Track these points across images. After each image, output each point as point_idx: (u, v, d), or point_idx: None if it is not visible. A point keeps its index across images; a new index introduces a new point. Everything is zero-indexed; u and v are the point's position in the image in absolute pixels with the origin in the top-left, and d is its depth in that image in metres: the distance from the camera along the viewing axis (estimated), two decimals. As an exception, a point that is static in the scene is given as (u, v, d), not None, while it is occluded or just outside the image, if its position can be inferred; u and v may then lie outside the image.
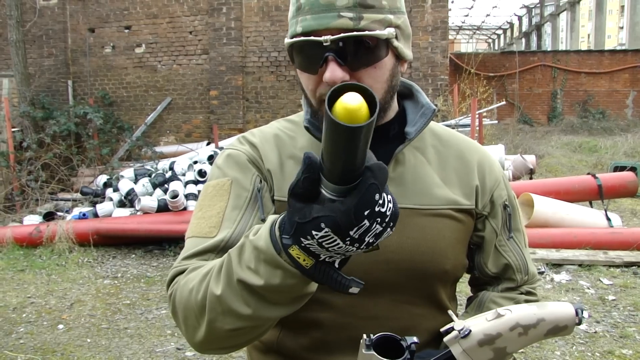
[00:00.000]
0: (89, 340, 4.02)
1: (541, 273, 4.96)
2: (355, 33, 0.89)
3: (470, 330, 0.89)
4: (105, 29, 10.89)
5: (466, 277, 1.23)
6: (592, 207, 6.28)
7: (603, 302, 4.39)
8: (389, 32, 0.92)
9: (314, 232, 0.65)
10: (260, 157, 1.06)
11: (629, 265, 5.05)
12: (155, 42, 10.72)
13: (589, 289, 4.65)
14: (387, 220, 0.67)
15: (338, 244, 0.66)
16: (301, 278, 0.73)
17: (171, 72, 10.75)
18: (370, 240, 0.67)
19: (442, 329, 0.91)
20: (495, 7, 30.69)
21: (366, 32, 0.89)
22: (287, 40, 0.95)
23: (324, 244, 0.66)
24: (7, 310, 4.64)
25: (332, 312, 1.01)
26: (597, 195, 6.15)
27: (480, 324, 0.90)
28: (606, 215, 5.76)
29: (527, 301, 1.12)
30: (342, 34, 0.88)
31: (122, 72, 10.91)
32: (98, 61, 10.96)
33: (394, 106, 1.06)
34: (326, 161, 0.64)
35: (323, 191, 0.66)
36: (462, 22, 34.71)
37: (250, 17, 10.33)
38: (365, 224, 0.64)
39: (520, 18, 35.01)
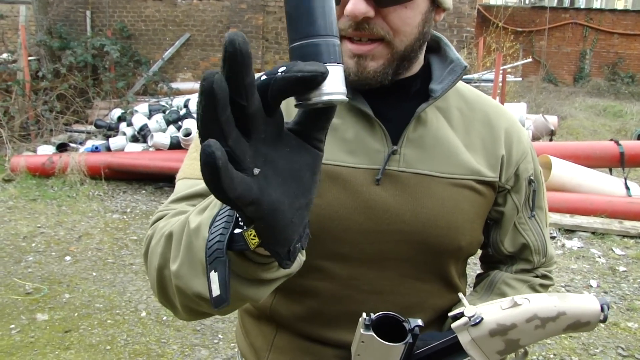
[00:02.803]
0: (94, 273, 4.06)
1: (552, 238, 4.89)
2: None
3: (482, 319, 0.81)
4: (125, -42, 10.61)
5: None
6: (611, 174, 6.13)
7: (613, 272, 4.33)
8: None
9: None
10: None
11: (643, 236, 4.96)
12: (176, -25, 10.44)
13: (599, 257, 4.58)
14: None
15: None
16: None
17: (191, 7, 10.50)
18: None
19: (450, 313, 0.84)
20: (531, -42, 29.49)
21: None
22: None
23: None
24: (18, 238, 4.69)
25: (331, 281, 0.93)
26: (618, 162, 5.98)
27: (493, 312, 0.82)
28: (625, 183, 5.62)
29: (541, 285, 1.04)
30: None
31: (141, 5, 10.68)
32: (117, -8, 10.73)
33: (420, 59, 0.93)
34: None
35: None
36: (494, -28, 33.52)
37: (275, -46, 9.99)
38: None
39: (555, -29, 33.71)
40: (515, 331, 0.81)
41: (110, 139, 6.91)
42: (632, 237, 4.96)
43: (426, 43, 0.92)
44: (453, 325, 0.82)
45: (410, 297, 0.95)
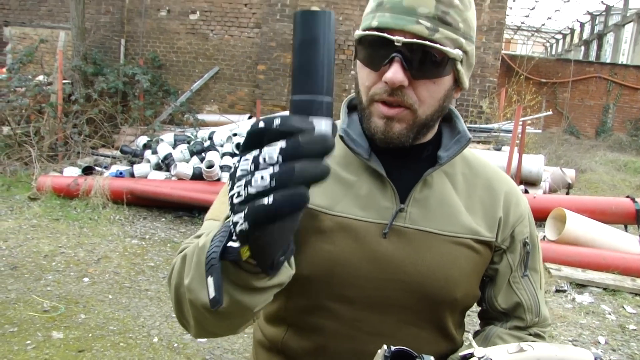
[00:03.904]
0: (110, 296, 4.16)
1: (563, 291, 4.90)
2: (428, 42, 0.89)
3: (492, 359, 0.87)
4: (162, -8, 11.03)
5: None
6: (626, 231, 6.13)
7: (623, 330, 4.32)
8: (457, 53, 0.93)
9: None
10: None
11: (656, 295, 4.94)
12: (210, 11, 10.80)
13: (610, 314, 4.57)
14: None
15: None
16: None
17: (222, 42, 10.83)
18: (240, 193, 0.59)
19: (460, 353, 0.90)
20: (558, 10, 29.80)
21: (438, 45, 0.90)
22: (359, 32, 0.95)
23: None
24: (39, 256, 4.84)
25: (337, 321, 1.02)
26: (634, 219, 6.00)
27: (501, 355, 0.88)
28: (640, 241, 5.62)
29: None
30: (415, 39, 0.89)
31: (174, 37, 11.05)
32: (152, 23, 11.11)
33: (435, 128, 1.05)
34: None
35: None
36: (522, 23, 33.83)
37: (306, -4, 10.32)
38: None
39: (582, 25, 33.92)
40: None
41: (134, 166, 7.10)
42: (644, 295, 4.94)
43: (442, 115, 1.04)
44: None
45: (408, 342, 1.01)
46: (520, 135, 7.15)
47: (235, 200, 0.59)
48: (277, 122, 0.57)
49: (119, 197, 6.27)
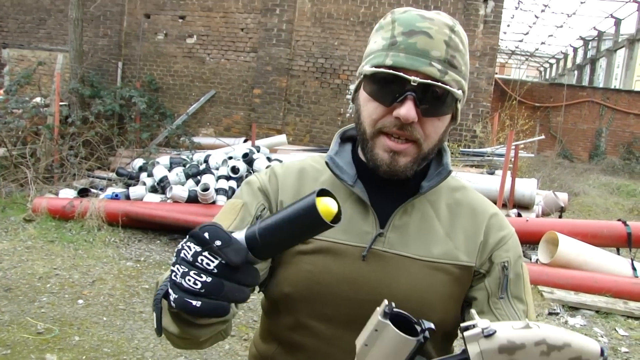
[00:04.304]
0: (105, 318, 4.17)
1: (556, 314, 4.92)
2: (439, 84, 0.96)
3: (495, 331, 0.82)
4: (160, 16, 11.16)
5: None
6: (619, 254, 6.18)
7: (615, 353, 4.34)
8: (460, 93, 1.01)
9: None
10: (277, 188, 1.13)
11: (648, 318, 4.97)
12: (206, 35, 10.95)
13: (602, 337, 4.60)
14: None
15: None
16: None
17: (218, 66, 10.95)
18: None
19: (462, 324, 0.85)
20: (551, 35, 30.24)
21: (447, 87, 0.97)
22: (370, 69, 1.00)
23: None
24: (34, 278, 4.84)
25: (317, 339, 1.08)
26: (626, 242, 6.05)
27: (506, 329, 0.83)
28: (632, 264, 5.66)
29: None
30: (428, 80, 0.96)
31: (171, 60, 11.17)
32: (149, 47, 11.24)
33: (429, 160, 1.12)
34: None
35: None
36: (516, 47, 34.27)
37: (302, 22, 10.46)
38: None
39: (575, 50, 34.40)
40: (522, 353, 0.81)
41: (130, 188, 7.14)
42: (636, 318, 4.97)
43: (438, 149, 1.11)
44: (466, 334, 0.83)
45: None
46: (513, 159, 7.23)
47: (173, 278, 0.72)
48: (218, 243, 0.70)
49: (114, 220, 6.29)
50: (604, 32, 28.25)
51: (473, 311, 0.86)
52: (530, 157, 11.20)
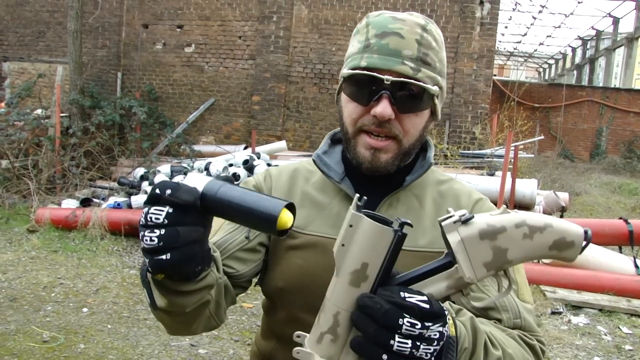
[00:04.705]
0: (109, 326, 4.19)
1: (559, 313, 4.93)
2: (412, 81, 1.01)
3: (473, 216, 0.81)
4: (158, 26, 11.23)
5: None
6: (621, 252, 6.19)
7: (619, 350, 4.35)
8: (435, 89, 1.05)
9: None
10: (271, 187, 1.19)
11: (651, 315, 4.98)
12: (204, 44, 11.00)
13: (606, 335, 4.61)
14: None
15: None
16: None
17: (217, 74, 11.01)
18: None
19: (440, 218, 0.85)
20: (550, 36, 30.30)
21: (421, 83, 1.02)
22: (347, 71, 1.05)
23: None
24: (38, 288, 4.87)
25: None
26: (628, 240, 6.05)
27: (484, 215, 0.82)
28: (635, 262, 5.67)
29: (521, 338, 1.04)
30: (401, 78, 1.00)
31: (170, 69, 11.23)
32: (148, 56, 11.30)
33: (413, 155, 1.15)
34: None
35: None
36: (514, 49, 34.33)
37: (299, 28, 10.52)
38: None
39: (574, 50, 34.44)
40: (504, 236, 0.80)
41: (132, 197, 7.16)
42: (639, 315, 4.97)
43: (421, 144, 1.14)
44: (443, 223, 0.82)
45: None
46: (512, 160, 7.25)
47: (142, 245, 0.77)
48: (168, 192, 0.76)
49: (116, 228, 6.31)
50: (602, 31, 28.28)
51: (450, 208, 0.85)
52: (531, 158, 11.21)
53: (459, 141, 9.81)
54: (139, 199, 7.06)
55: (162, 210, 0.75)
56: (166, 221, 0.75)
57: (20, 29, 12.07)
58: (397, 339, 0.73)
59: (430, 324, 0.75)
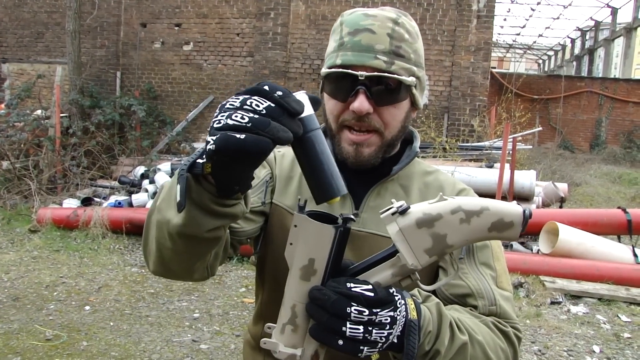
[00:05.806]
0: (111, 323, 4.23)
1: (558, 303, 4.97)
2: (386, 74, 1.04)
3: (409, 207, 0.85)
4: (156, 25, 11.25)
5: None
6: (620, 241, 6.22)
7: (618, 338, 4.38)
8: (411, 80, 1.07)
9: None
10: (275, 165, 1.23)
11: (649, 304, 5.01)
12: (203, 41, 11.02)
13: (605, 324, 4.64)
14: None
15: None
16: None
17: (216, 72, 11.03)
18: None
19: (380, 210, 0.89)
20: (548, 27, 30.25)
21: (395, 76, 1.04)
22: (325, 70, 1.10)
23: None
24: (41, 287, 4.91)
25: None
26: (627, 230, 6.08)
27: (421, 204, 0.86)
28: (633, 251, 5.70)
29: (495, 325, 1.05)
30: (375, 73, 1.03)
31: (168, 68, 11.25)
32: (147, 55, 11.32)
33: (397, 146, 1.19)
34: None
35: None
36: (513, 41, 34.29)
37: (297, 24, 10.53)
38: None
39: (573, 41, 34.38)
40: (441, 223, 0.83)
41: (133, 195, 7.20)
42: (638, 304, 5.01)
43: (404, 133, 1.17)
44: (382, 215, 0.87)
45: None
46: (510, 152, 7.27)
47: (215, 125, 0.72)
48: (279, 93, 0.73)
49: (118, 227, 6.35)
50: (601, 22, 28.24)
51: (393, 200, 0.89)
52: (530, 149, 11.22)
53: (458, 134, 9.83)
54: (139, 197, 7.10)
55: (265, 102, 0.72)
56: (264, 111, 0.72)
57: (18, 30, 12.09)
58: (348, 325, 0.79)
59: (378, 310, 0.80)
